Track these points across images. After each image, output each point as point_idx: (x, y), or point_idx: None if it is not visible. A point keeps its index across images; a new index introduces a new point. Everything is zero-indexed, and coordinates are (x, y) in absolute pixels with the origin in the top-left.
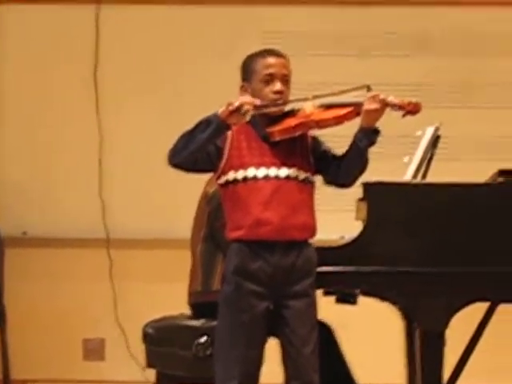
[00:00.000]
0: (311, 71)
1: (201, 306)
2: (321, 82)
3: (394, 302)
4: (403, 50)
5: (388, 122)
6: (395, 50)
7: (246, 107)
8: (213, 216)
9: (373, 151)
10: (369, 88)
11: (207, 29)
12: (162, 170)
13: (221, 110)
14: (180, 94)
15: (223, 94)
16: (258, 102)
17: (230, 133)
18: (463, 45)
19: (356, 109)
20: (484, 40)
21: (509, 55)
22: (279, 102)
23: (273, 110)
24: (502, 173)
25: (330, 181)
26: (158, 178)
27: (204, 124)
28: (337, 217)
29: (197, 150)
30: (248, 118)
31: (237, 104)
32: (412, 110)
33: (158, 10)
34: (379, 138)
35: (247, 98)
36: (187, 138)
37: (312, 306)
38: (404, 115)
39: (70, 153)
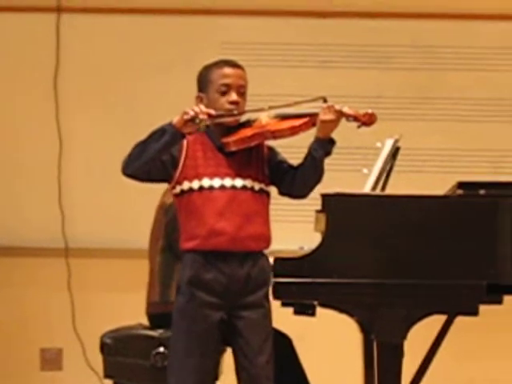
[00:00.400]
0: (270, 82)
1: (159, 317)
2: (280, 93)
3: (351, 314)
4: (363, 62)
5: (348, 134)
6: (355, 62)
7: (201, 116)
8: (170, 227)
9: (332, 162)
10: (325, 100)
11: (166, 38)
12: (121, 179)
13: (175, 118)
14: (139, 103)
15: (182, 103)
16: (212, 111)
17: (185, 142)
18: (423, 58)
19: (311, 119)
20: (443, 54)
21: (467, 69)
22: (234, 112)
23: (228, 120)
24: (461, 185)
25: (285, 192)
26: (118, 188)
27: (158, 133)
28: (296, 227)
29: (151, 160)
30: (203, 127)
31: (191, 113)
32: (367, 121)
33: (118, 19)
34: (338, 150)
35: (202, 108)
36: (141, 147)
37: (266, 316)
38: (359, 126)
39: (29, 162)
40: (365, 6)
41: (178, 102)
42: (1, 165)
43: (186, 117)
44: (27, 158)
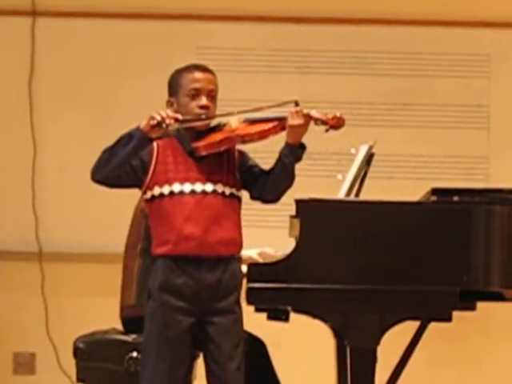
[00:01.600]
0: (247, 88)
1: (133, 320)
2: (256, 99)
3: (324, 320)
4: (340, 68)
5: (322, 140)
6: (332, 68)
7: (168, 121)
8: (149, 230)
9: (307, 168)
10: (296, 103)
11: (142, 43)
12: (95, 184)
13: (142, 123)
14: (114, 108)
15: (157, 108)
16: (179, 116)
17: (155, 147)
18: (400, 64)
19: (281, 123)
20: (421, 60)
21: (444, 76)
22: (202, 116)
23: (197, 124)
24: (435, 191)
25: (256, 196)
26: (92, 193)
27: (126, 138)
28: (270, 233)
29: (119, 165)
30: (171, 132)
31: (158, 118)
32: (335, 124)
33: (94, 23)
34: (313, 155)
35: (168, 112)
36: (109, 153)
37: (238, 322)
38: (327, 130)
39: (3, 166)
40: (344, 11)
41: (153, 107)
42: None
43: (152, 122)
44: (1, 161)
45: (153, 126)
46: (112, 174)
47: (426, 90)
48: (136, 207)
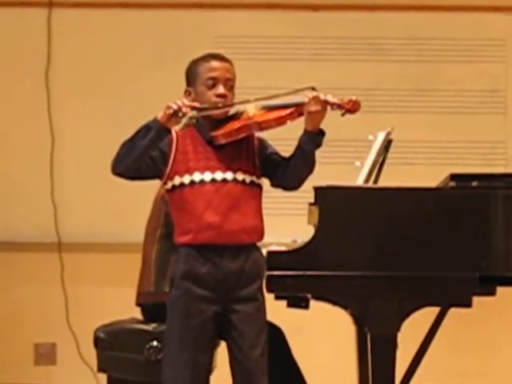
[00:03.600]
0: (263, 76)
1: (152, 307)
2: (273, 86)
3: (344, 307)
4: (356, 54)
5: (340, 127)
6: (348, 54)
7: (184, 109)
8: (170, 217)
9: (325, 155)
10: (314, 89)
11: (159, 32)
12: (115, 177)
13: (159, 114)
14: (132, 99)
15: (174, 97)
16: (196, 104)
17: (175, 137)
18: (417, 50)
19: (298, 109)
20: (437, 46)
21: (460, 61)
22: (219, 104)
23: (214, 112)
24: (454, 177)
25: (277, 184)
26: (110, 182)
27: (144, 130)
28: (289, 220)
29: (139, 157)
30: (189, 121)
31: (174, 107)
32: (351, 108)
33: (110, 13)
34: (331, 142)
35: (184, 101)
36: (128, 146)
37: (260, 309)
38: (343, 114)
39: (21, 157)
40: None
41: (170, 96)
42: None
43: (168, 111)
44: (19, 152)
45: (170, 116)
46: (132, 166)
47: (443, 76)
48: (157, 194)
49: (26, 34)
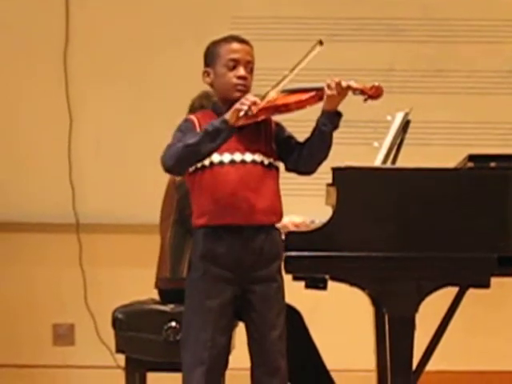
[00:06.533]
0: (280, 56)
1: (169, 292)
2: (289, 67)
3: (362, 288)
4: (373, 35)
5: (358, 107)
6: (365, 35)
7: (253, 108)
8: (181, 203)
9: (343, 136)
10: (321, 42)
11: (176, 13)
12: (131, 154)
13: (228, 115)
14: (150, 80)
15: (192, 78)
16: (258, 100)
17: (196, 121)
18: (433, 31)
19: (318, 94)
20: (454, 26)
21: (477, 41)
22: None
23: (273, 102)
24: (472, 158)
25: (292, 168)
26: (128, 163)
27: (212, 134)
28: (307, 201)
29: (205, 158)
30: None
31: (245, 108)
32: (374, 94)
33: None
34: (349, 123)
35: (251, 98)
36: (192, 150)
37: (279, 290)
38: (366, 100)
39: (39, 138)
40: None
41: (188, 77)
42: (12, 141)
43: (240, 113)
44: (37, 134)
45: (240, 117)
46: (192, 166)
47: (460, 56)
48: (169, 181)
49: (44, 16)
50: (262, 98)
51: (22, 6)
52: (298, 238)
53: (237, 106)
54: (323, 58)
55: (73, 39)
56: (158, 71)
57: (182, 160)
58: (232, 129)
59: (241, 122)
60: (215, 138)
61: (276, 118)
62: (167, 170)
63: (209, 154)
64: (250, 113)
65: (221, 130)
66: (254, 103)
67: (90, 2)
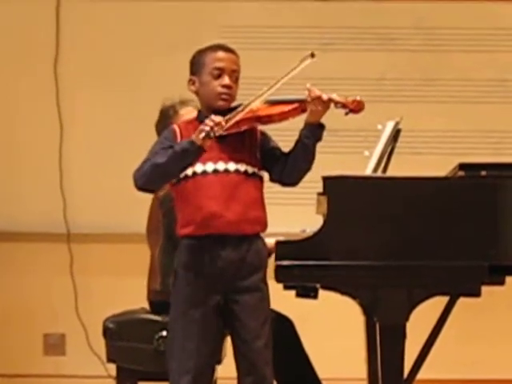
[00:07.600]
0: (270, 66)
1: (159, 304)
2: (278, 77)
3: (353, 296)
4: (365, 44)
5: (348, 116)
6: (357, 44)
7: (216, 129)
8: (167, 219)
9: (333, 145)
10: (313, 55)
11: (166, 22)
12: (122, 164)
13: (194, 137)
14: (140, 88)
15: (181, 86)
16: (223, 122)
17: (178, 131)
18: (425, 40)
19: (301, 106)
20: (446, 35)
21: (470, 50)
22: (239, 108)
23: (239, 117)
24: (462, 166)
25: (276, 179)
26: (119, 173)
27: (180, 155)
28: (298, 210)
29: (174, 177)
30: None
31: (207, 129)
32: (355, 108)
33: (117, 4)
34: (340, 132)
35: (215, 119)
36: (162, 170)
37: (264, 300)
38: (347, 113)
39: (30, 147)
40: None
41: (177, 86)
42: (1, 150)
43: (201, 135)
44: (28, 142)
45: (204, 138)
46: (162, 185)
47: (452, 65)
48: (154, 195)
49: (35, 24)
50: (245, 106)
51: (13, 14)
52: (289, 247)
53: (201, 126)
54: (314, 67)
55: (63, 47)
56: (148, 79)
57: (151, 180)
58: (199, 149)
59: (208, 143)
60: (183, 159)
61: (261, 127)
62: (138, 188)
63: (179, 173)
64: (212, 134)
65: (189, 151)
66: (218, 124)
67: (80, 9)
